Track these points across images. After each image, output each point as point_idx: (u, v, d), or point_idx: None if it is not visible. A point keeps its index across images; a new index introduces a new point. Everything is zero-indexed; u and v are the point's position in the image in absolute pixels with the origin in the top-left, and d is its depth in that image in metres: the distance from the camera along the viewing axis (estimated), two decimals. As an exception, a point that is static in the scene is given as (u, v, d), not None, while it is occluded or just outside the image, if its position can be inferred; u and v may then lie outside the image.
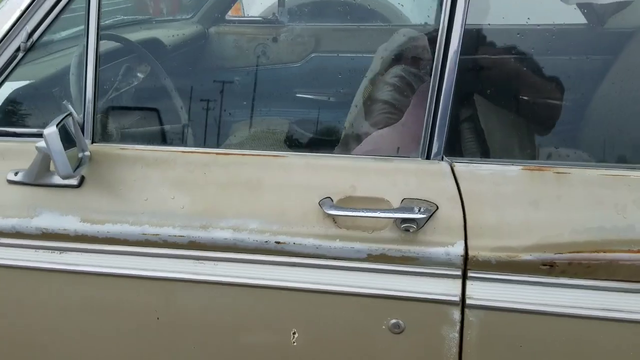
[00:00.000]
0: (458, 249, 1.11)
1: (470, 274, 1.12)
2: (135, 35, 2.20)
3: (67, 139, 1.23)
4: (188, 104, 2.02)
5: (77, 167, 1.23)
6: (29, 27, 1.29)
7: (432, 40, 1.22)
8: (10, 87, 1.41)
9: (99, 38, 1.27)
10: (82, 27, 1.40)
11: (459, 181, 1.15)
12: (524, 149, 1.42)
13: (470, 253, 1.11)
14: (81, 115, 1.30)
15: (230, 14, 3.05)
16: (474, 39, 1.66)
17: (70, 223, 1.25)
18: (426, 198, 1.14)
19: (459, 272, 1.12)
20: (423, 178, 1.16)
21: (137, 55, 1.82)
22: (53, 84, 1.52)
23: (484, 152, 1.37)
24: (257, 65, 2.71)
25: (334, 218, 1.15)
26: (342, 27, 2.81)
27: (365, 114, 1.62)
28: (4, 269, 1.29)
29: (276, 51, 2.72)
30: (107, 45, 1.73)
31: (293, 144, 1.94)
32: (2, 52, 1.29)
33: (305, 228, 1.16)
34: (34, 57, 1.46)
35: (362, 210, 1.13)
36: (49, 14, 1.28)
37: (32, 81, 1.49)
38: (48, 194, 1.27)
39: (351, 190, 1.17)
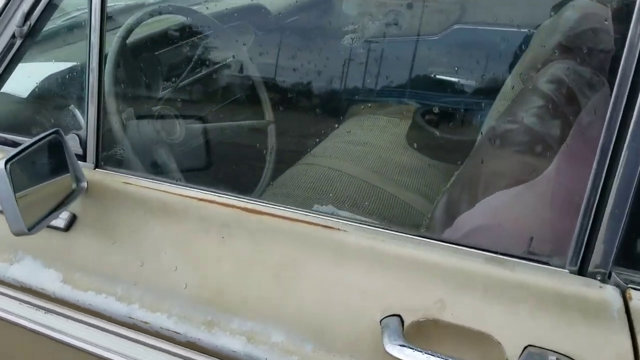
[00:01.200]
0: None
1: None
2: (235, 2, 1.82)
3: (60, 163, 0.90)
4: (283, 90, 1.64)
5: (65, 200, 0.89)
6: (25, 7, 0.94)
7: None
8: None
9: (104, 17, 0.89)
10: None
11: (636, 327, 0.62)
12: None
13: None
14: (83, 131, 0.95)
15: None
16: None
17: (51, 281, 0.91)
18: (570, 353, 0.63)
19: None
20: (568, 310, 0.64)
21: (209, 33, 1.43)
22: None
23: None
24: (384, 37, 2.21)
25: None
26: (498, -8, 2.20)
27: (488, 145, 1.08)
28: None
29: (411, 20, 2.15)
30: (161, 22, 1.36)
31: (414, 140, 1.50)
32: (-7, 39, 0.97)
33: (354, 362, 0.71)
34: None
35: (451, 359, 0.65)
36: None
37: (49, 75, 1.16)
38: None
39: (438, 308, 0.69)
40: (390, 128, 1.62)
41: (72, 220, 0.92)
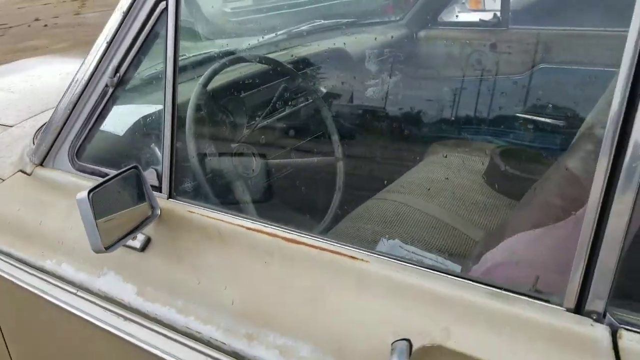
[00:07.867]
0: None
1: None
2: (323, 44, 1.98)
3: (138, 193, 1.06)
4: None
5: (141, 224, 1.04)
6: (115, 62, 1.13)
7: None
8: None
9: (176, 67, 1.05)
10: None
11: (626, 367, 0.65)
12: None
13: None
14: (160, 166, 1.11)
15: (469, 7, 2.70)
16: None
17: (128, 293, 1.07)
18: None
19: None
20: (559, 346, 0.69)
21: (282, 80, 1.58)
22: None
23: None
24: (465, 77, 2.25)
25: (405, 377, 0.75)
26: (586, 32, 2.18)
27: (541, 188, 1.11)
28: (76, 318, 1.18)
29: (494, 60, 2.18)
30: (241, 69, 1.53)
31: (492, 180, 1.53)
32: (93, 90, 1.16)
33: (366, 379, 0.79)
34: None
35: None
36: (132, 48, 1.10)
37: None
38: (117, 252, 1.11)
39: (443, 336, 0.75)
40: (469, 166, 1.65)
41: (146, 243, 1.08)
